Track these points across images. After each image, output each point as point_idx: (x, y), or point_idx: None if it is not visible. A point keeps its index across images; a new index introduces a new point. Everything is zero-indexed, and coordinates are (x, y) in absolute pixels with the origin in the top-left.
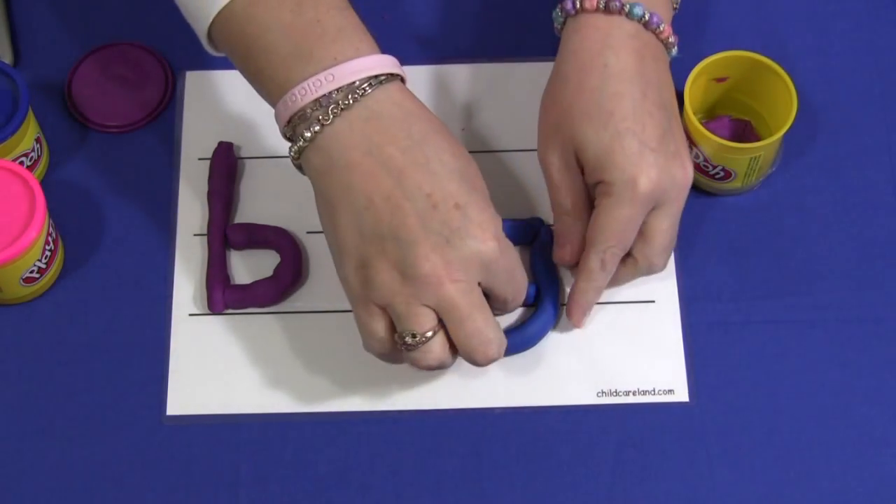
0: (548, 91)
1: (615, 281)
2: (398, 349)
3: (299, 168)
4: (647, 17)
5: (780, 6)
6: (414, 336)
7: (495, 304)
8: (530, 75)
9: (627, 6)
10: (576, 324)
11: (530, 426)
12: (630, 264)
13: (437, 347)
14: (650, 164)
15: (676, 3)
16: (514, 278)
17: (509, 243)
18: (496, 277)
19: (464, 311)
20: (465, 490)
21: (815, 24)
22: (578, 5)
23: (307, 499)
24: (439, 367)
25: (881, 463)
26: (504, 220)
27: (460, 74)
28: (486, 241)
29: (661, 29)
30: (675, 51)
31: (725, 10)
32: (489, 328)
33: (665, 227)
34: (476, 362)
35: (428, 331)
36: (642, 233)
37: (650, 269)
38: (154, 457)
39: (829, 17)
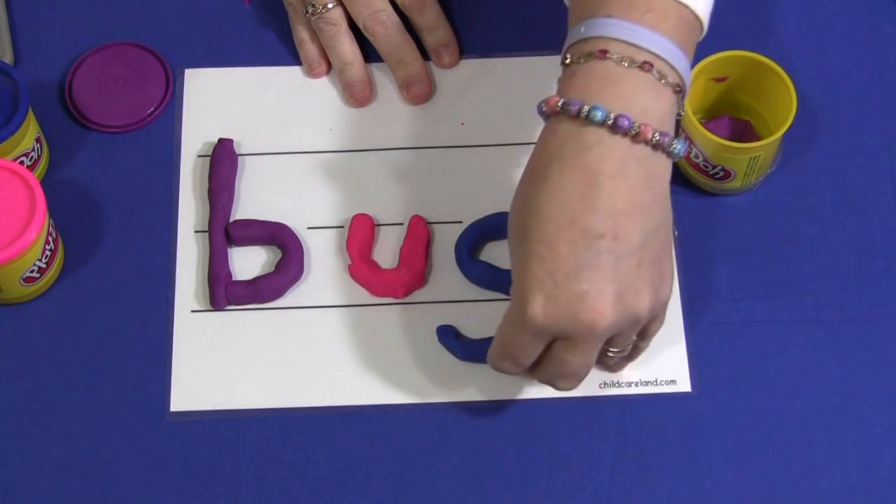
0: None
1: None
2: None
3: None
4: (611, 121)
5: (780, 6)
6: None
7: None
8: (530, 70)
9: (586, 109)
10: None
11: (533, 418)
12: (537, 371)
13: None
14: (547, 296)
15: (681, 86)
16: None
17: None
18: None
19: None
20: (467, 482)
21: (815, 24)
22: (544, 107)
23: (310, 492)
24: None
25: (881, 462)
26: (501, 214)
27: (459, 69)
28: None
29: (636, 131)
30: (676, 148)
31: (725, 10)
32: None
33: (565, 357)
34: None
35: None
36: (546, 352)
37: (553, 385)
38: (159, 453)
39: (829, 17)
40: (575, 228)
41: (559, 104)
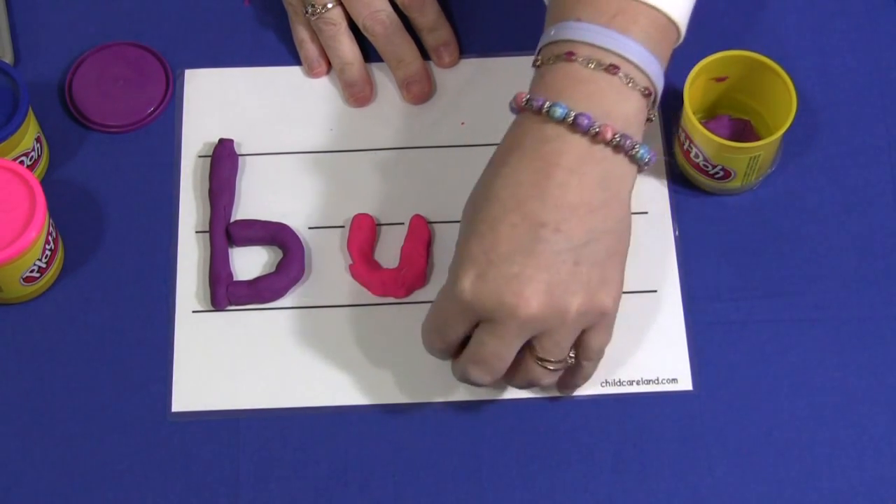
0: None
1: None
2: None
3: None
4: (571, 119)
5: (780, 6)
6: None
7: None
8: (530, 70)
9: (547, 105)
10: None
11: (533, 418)
12: (458, 360)
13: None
14: (478, 274)
15: (650, 90)
16: None
17: None
18: None
19: None
20: (467, 482)
21: (815, 24)
22: (513, 104)
23: (310, 492)
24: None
25: (881, 462)
26: None
27: (459, 69)
28: None
29: (596, 130)
30: (639, 153)
31: (725, 9)
32: None
33: (483, 339)
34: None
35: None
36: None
37: (462, 376)
38: (159, 453)
39: (829, 17)
40: (519, 213)
41: (525, 100)
